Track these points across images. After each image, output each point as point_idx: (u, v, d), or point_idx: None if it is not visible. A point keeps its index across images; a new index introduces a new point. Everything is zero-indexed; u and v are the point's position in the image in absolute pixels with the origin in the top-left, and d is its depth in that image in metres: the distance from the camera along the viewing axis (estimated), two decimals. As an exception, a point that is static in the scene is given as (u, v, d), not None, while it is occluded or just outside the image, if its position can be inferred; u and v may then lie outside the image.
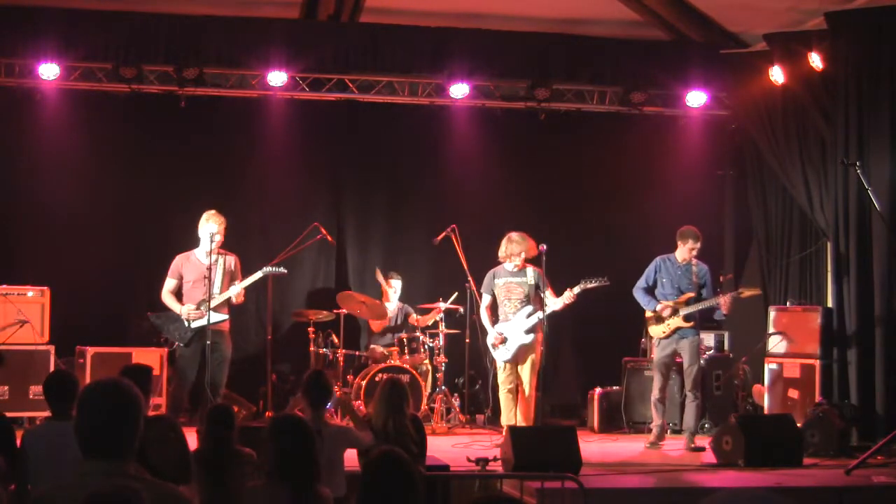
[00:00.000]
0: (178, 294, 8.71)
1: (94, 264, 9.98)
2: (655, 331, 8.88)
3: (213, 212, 8.71)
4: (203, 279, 8.54)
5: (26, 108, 10.13)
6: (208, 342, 8.36)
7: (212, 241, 8.52)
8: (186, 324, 8.55)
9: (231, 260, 8.77)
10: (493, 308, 9.13)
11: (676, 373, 9.28)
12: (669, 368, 9.02)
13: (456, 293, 10.05)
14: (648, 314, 8.95)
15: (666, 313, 8.75)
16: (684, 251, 8.92)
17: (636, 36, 10.55)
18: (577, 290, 8.76)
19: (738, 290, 9.03)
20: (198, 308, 8.52)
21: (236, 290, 8.61)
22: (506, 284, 8.98)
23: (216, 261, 8.60)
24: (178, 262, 8.72)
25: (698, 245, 8.90)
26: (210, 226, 8.56)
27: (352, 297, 10.07)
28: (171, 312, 8.65)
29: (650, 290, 8.95)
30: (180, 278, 8.68)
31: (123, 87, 10.14)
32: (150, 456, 4.12)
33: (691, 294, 8.80)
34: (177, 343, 8.70)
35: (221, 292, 8.59)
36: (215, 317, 8.48)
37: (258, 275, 8.76)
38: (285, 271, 9.11)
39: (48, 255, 10.06)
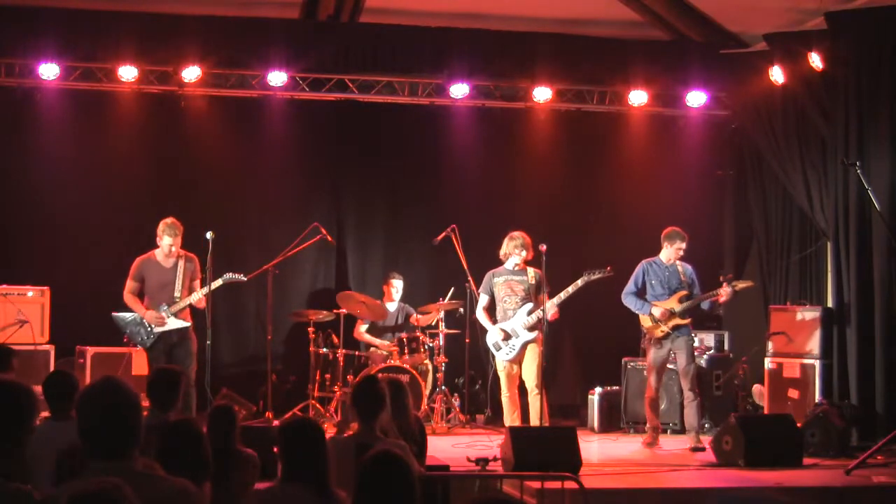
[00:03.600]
0: (140, 296, 8.71)
1: (94, 264, 9.98)
2: (653, 329, 8.88)
3: (169, 221, 8.64)
4: (164, 282, 8.60)
5: (26, 108, 10.14)
6: (172, 342, 8.55)
7: (170, 252, 8.59)
8: (149, 328, 8.56)
9: (192, 262, 8.73)
10: (491, 310, 9.09)
11: (674, 372, 9.29)
12: (665, 367, 9.04)
13: (452, 288, 10.05)
14: (646, 321, 8.93)
15: (663, 318, 8.76)
16: (671, 252, 8.94)
17: (636, 36, 10.55)
18: (580, 282, 8.74)
19: (732, 283, 9.02)
20: (159, 315, 8.54)
21: (196, 297, 8.60)
22: (507, 282, 8.94)
23: (175, 265, 8.64)
24: (138, 263, 8.70)
25: (684, 245, 8.93)
26: (165, 239, 8.56)
27: (352, 297, 10.08)
28: (136, 315, 8.63)
29: (639, 294, 8.96)
30: (142, 281, 8.68)
31: (123, 86, 10.15)
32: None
33: (684, 292, 8.82)
34: (138, 346, 8.71)
35: (182, 296, 8.59)
36: (178, 323, 8.55)
37: (218, 282, 8.73)
38: (244, 279, 9.04)
39: (48, 255, 10.07)
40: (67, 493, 2.66)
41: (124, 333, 8.79)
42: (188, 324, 8.62)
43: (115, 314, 8.73)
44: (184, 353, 8.56)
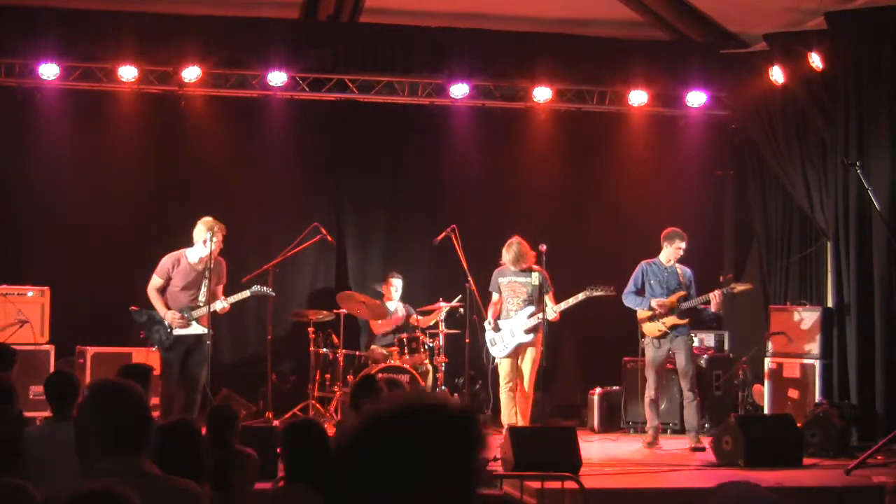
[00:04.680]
0: (163, 292, 8.55)
1: (94, 264, 9.98)
2: (651, 328, 8.89)
3: (211, 219, 8.47)
4: (191, 284, 8.46)
5: (26, 108, 10.14)
6: (188, 345, 8.46)
7: (206, 252, 8.36)
8: (169, 329, 8.45)
9: (219, 267, 8.59)
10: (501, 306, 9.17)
11: (673, 372, 9.30)
12: (664, 368, 9.05)
13: (460, 295, 10.05)
14: (641, 315, 8.96)
15: (661, 309, 8.78)
16: (670, 252, 8.96)
17: (636, 36, 10.55)
18: (582, 296, 8.78)
19: (731, 285, 9.04)
20: (182, 317, 8.42)
21: (220, 306, 8.49)
22: (510, 283, 9.00)
23: (204, 268, 8.44)
24: (168, 262, 8.51)
25: (684, 245, 8.95)
26: (210, 234, 8.32)
27: (352, 297, 10.07)
28: (155, 313, 8.49)
29: (639, 294, 8.98)
30: (168, 279, 8.50)
31: (123, 86, 10.15)
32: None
33: (683, 293, 8.84)
34: (155, 346, 8.61)
35: (207, 301, 8.43)
36: (198, 329, 8.45)
37: (245, 293, 8.63)
38: (273, 293, 8.99)
39: (48, 255, 10.06)
40: (68, 492, 2.67)
41: (141, 330, 8.67)
42: (207, 331, 8.46)
43: (133, 309, 8.62)
44: (198, 360, 8.47)
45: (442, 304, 10.06)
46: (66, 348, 9.43)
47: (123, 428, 3.14)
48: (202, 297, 8.47)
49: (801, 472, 7.66)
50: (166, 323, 8.46)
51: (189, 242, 8.67)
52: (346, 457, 1.80)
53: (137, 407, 3.19)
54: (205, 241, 8.38)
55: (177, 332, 8.45)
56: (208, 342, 8.54)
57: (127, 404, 3.18)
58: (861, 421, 8.84)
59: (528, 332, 8.86)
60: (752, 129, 10.78)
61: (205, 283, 8.48)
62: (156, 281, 8.53)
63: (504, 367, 8.97)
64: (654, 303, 8.82)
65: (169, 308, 8.48)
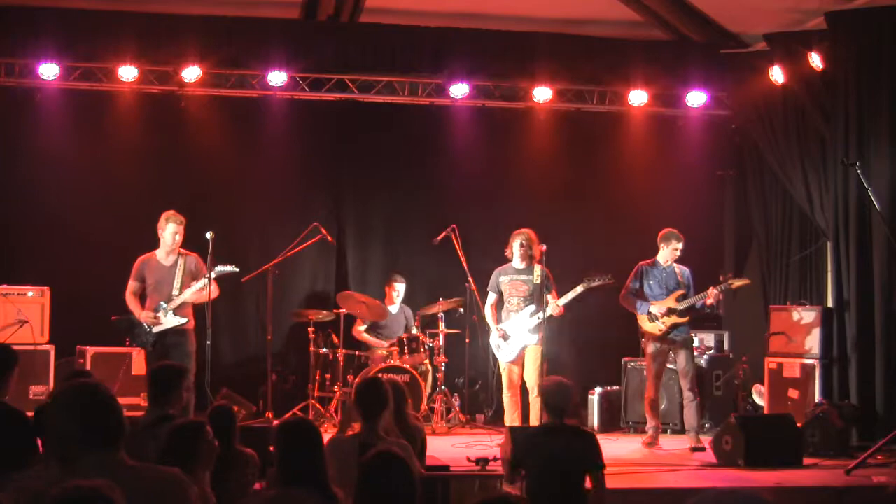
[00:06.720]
0: (143, 296, 8.61)
1: (94, 264, 9.97)
2: (651, 328, 8.88)
3: (171, 212, 8.59)
4: (164, 280, 8.51)
5: (26, 108, 10.14)
6: (170, 342, 8.44)
7: (173, 242, 8.49)
8: (147, 328, 8.46)
9: (192, 260, 8.61)
10: (500, 306, 9.12)
11: (673, 372, 9.29)
12: (664, 367, 9.04)
13: (460, 299, 10.04)
14: (644, 320, 8.93)
15: (661, 314, 8.76)
16: (668, 253, 8.96)
17: (636, 36, 10.55)
18: (580, 288, 8.75)
19: (729, 281, 9.03)
20: (155, 314, 8.42)
21: (189, 293, 8.45)
22: (512, 282, 8.95)
23: (175, 262, 8.55)
24: (140, 264, 8.62)
25: (681, 246, 8.94)
26: (170, 227, 8.49)
27: (352, 297, 10.08)
28: (134, 318, 8.53)
29: (637, 295, 8.96)
30: (143, 280, 8.59)
31: (123, 86, 10.15)
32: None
33: (681, 291, 8.83)
34: (141, 347, 8.63)
35: (181, 294, 8.50)
36: (175, 320, 8.45)
37: (207, 276, 8.56)
38: (237, 269, 8.86)
39: (48, 255, 10.06)
40: (55, 490, 2.68)
41: (126, 337, 8.73)
42: (185, 320, 8.51)
43: (114, 319, 8.68)
44: (180, 355, 8.49)
45: (441, 303, 10.06)
46: (66, 348, 9.43)
47: (101, 426, 3.18)
48: (176, 290, 8.50)
49: (801, 472, 7.66)
50: (144, 324, 8.49)
51: (187, 241, 8.68)
52: None
53: (110, 404, 3.24)
54: (160, 232, 8.50)
55: (156, 328, 8.48)
56: (201, 340, 8.48)
57: (100, 402, 3.23)
58: (861, 421, 8.83)
59: (532, 331, 8.84)
60: (752, 128, 10.78)
61: (177, 277, 8.53)
62: (131, 285, 8.60)
63: (507, 371, 8.93)
64: (654, 310, 8.80)
65: (148, 309, 8.52)
